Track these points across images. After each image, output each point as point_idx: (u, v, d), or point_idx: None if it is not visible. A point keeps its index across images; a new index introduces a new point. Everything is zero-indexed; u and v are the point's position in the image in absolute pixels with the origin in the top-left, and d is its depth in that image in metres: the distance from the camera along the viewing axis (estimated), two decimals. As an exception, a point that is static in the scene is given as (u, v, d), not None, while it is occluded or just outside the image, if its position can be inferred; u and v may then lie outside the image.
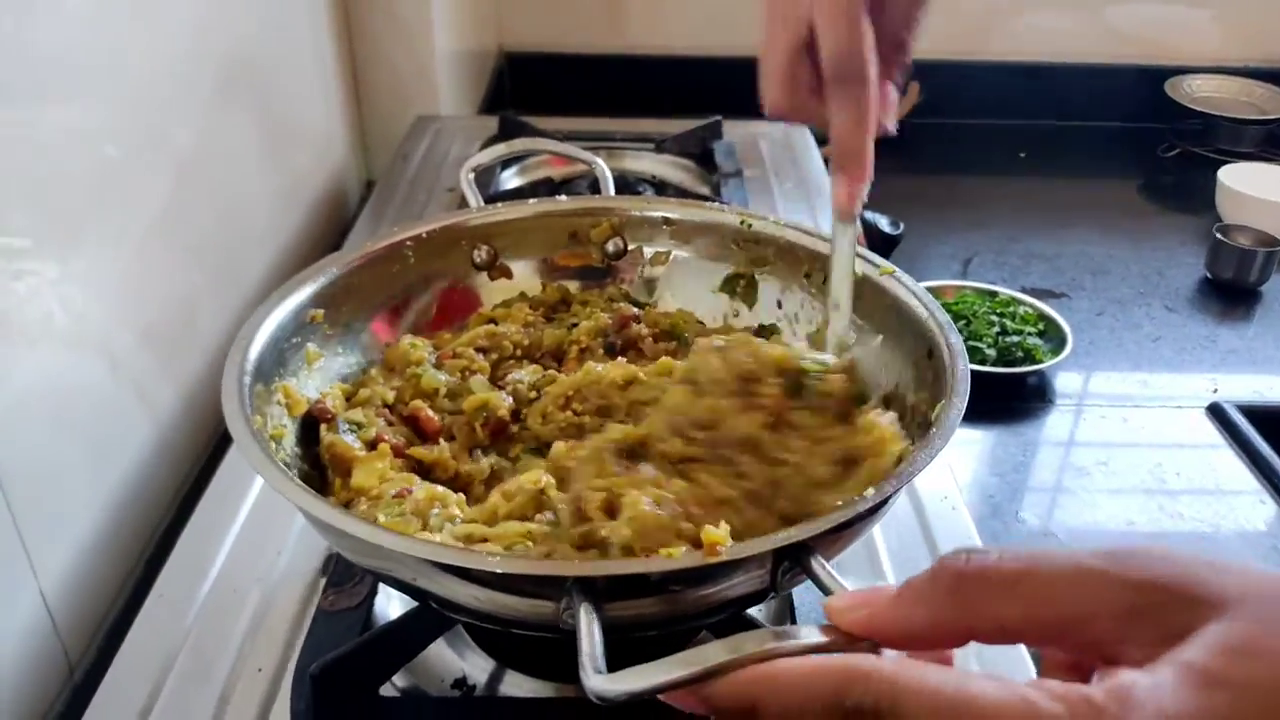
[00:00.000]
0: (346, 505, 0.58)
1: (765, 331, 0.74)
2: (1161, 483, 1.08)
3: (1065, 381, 1.24)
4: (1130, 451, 1.14)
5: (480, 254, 0.76)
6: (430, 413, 0.65)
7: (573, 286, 0.78)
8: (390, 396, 0.66)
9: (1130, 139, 1.93)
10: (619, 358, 0.70)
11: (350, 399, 0.66)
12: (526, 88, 1.92)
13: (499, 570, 0.45)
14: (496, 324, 0.73)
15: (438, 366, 0.68)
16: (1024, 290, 1.37)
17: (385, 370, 0.69)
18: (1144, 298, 1.45)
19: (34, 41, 0.68)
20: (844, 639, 0.34)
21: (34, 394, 0.67)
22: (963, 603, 0.32)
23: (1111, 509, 1.05)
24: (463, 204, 0.78)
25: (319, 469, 0.62)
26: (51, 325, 0.70)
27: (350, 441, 0.62)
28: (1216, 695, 0.28)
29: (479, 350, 0.70)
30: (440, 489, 0.58)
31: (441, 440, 0.64)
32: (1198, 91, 1.89)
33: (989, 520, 1.03)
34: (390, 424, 0.65)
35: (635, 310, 0.74)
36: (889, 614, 0.33)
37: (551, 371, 0.69)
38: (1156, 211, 1.78)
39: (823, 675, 0.31)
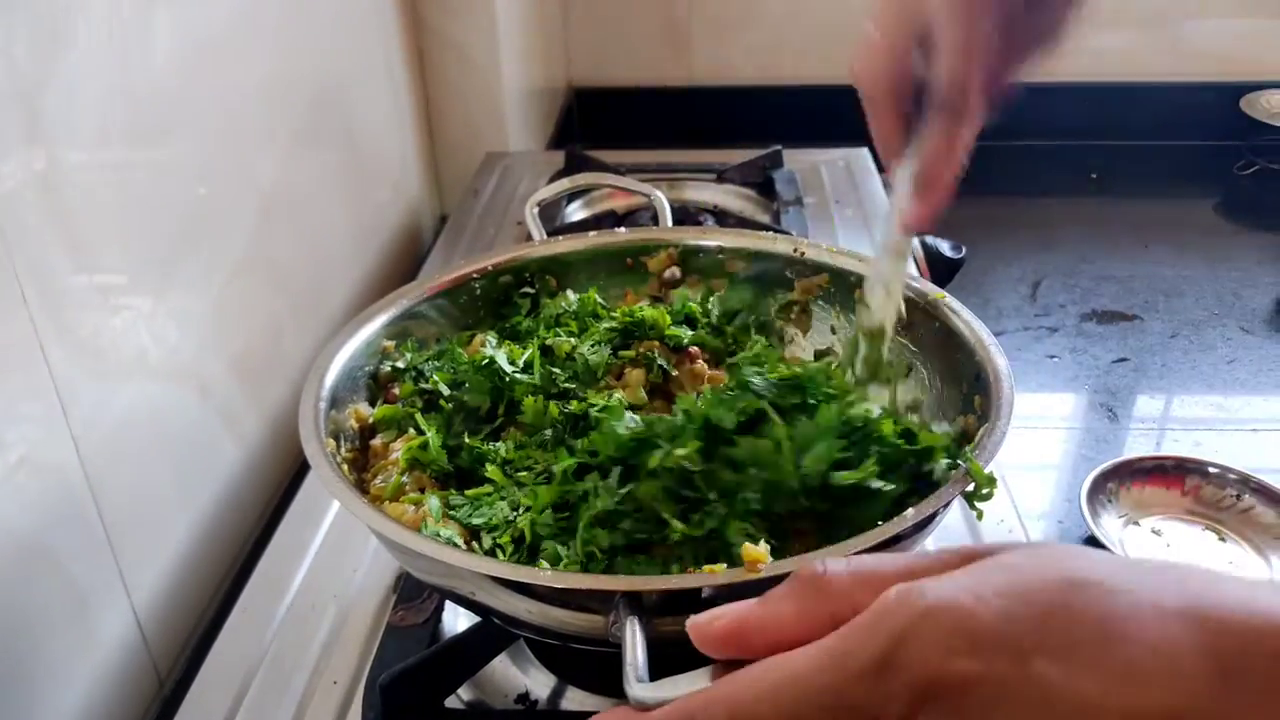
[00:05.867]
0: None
1: (820, 356, 0.76)
2: (1236, 507, 1.06)
3: (1141, 406, 1.23)
4: (1204, 476, 1.12)
5: (544, 286, 0.79)
6: None
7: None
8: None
9: (1206, 157, 1.89)
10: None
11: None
12: (595, 122, 1.96)
13: (551, 584, 0.48)
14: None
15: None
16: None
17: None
18: (1219, 319, 1.42)
19: (128, 86, 0.72)
20: None
21: (130, 423, 0.72)
22: (824, 593, 0.34)
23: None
24: (528, 237, 0.81)
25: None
26: (146, 358, 0.74)
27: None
28: (994, 572, 0.31)
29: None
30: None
31: None
32: (1276, 107, 1.85)
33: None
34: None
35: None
36: (757, 612, 0.35)
37: None
38: (1233, 231, 1.74)
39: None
